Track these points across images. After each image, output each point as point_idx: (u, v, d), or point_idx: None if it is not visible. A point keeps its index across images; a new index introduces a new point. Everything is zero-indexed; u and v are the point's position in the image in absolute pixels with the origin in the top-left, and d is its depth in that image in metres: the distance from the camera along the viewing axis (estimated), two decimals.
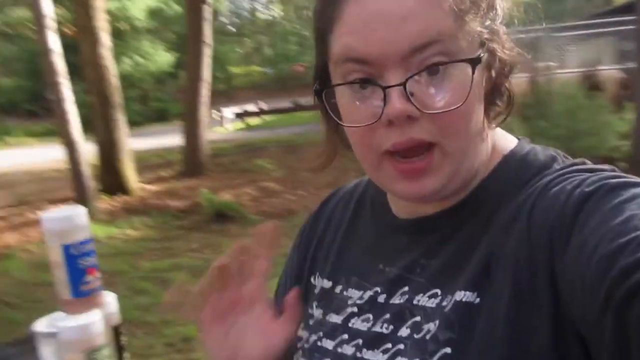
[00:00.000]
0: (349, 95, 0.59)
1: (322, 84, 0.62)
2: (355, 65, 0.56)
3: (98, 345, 0.89)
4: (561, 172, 0.58)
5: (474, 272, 0.57)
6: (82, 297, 0.91)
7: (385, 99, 0.55)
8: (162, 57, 22.93)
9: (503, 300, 0.53)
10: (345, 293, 0.69)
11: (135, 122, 23.62)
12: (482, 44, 0.58)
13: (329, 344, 0.66)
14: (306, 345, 0.69)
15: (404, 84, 0.54)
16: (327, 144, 0.69)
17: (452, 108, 0.55)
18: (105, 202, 7.78)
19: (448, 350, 0.55)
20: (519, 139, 0.68)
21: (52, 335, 0.93)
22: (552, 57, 8.78)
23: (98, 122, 8.29)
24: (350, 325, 0.65)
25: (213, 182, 8.61)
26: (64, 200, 8.04)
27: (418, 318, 0.59)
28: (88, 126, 8.35)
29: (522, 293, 0.52)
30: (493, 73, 0.61)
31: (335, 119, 0.61)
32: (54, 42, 7.16)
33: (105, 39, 8.24)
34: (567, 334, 0.49)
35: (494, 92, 0.63)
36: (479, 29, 0.57)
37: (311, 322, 0.71)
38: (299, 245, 0.83)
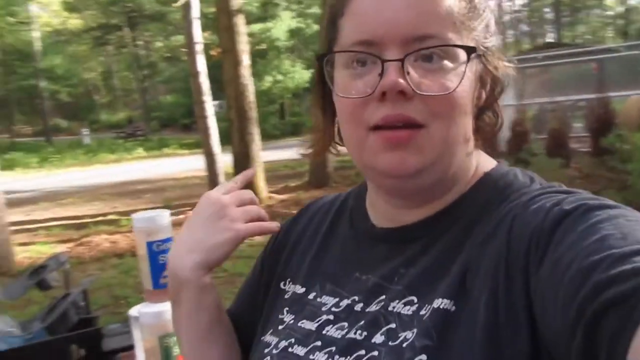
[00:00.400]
0: (347, 74, 0.62)
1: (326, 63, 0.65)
2: (360, 46, 0.60)
3: (171, 332, 1.00)
4: (540, 191, 0.59)
5: (452, 281, 0.58)
6: (161, 289, 1.03)
7: (382, 73, 0.57)
8: (301, 74, 24.05)
9: (480, 309, 0.54)
10: (319, 299, 0.69)
11: (273, 135, 25.23)
12: (477, 54, 0.61)
13: (300, 351, 0.65)
14: (275, 351, 0.67)
15: (402, 60, 0.57)
16: (321, 130, 0.71)
17: (444, 93, 0.57)
18: None
19: (424, 357, 0.54)
20: (499, 161, 0.70)
21: (137, 319, 1.07)
22: None
23: (235, 136, 9.00)
24: (324, 332, 0.65)
25: (338, 192, 8.79)
26: None
27: (393, 325, 0.59)
28: (227, 139, 9.12)
29: (498, 304, 0.53)
30: (484, 91, 0.64)
31: (331, 86, 0.64)
32: (201, 65, 8.00)
33: (246, 59, 8.95)
34: (541, 347, 0.50)
35: (484, 109, 0.65)
36: (475, 39, 0.61)
37: (281, 327, 0.70)
38: (269, 251, 0.83)
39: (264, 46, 19.50)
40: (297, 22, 24.49)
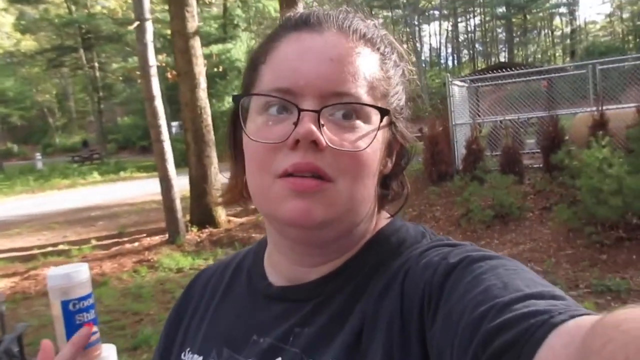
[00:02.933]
0: (261, 120, 0.61)
1: (242, 110, 0.65)
2: (279, 94, 0.59)
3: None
4: (430, 245, 0.63)
5: (347, 340, 0.58)
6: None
7: (297, 122, 0.57)
8: None
9: None
10: None
11: None
12: (389, 121, 0.63)
13: None
14: None
15: (318, 112, 0.58)
16: (233, 177, 0.71)
17: (354, 150, 0.58)
18: (194, 234, 8.23)
19: None
20: (392, 216, 0.71)
21: None
22: None
23: (192, 159, 8.87)
24: None
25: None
26: (158, 232, 8.64)
27: None
28: (186, 161, 8.96)
29: (394, 359, 0.54)
30: (390, 160, 0.67)
31: (244, 130, 0.62)
32: (156, 88, 7.86)
33: (203, 82, 8.87)
34: None
35: (390, 177, 0.68)
36: (388, 106, 0.63)
37: None
38: (171, 320, 0.81)
39: (222, 68, 19.48)
40: (256, 42, 24.61)
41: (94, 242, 8.52)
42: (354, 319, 0.59)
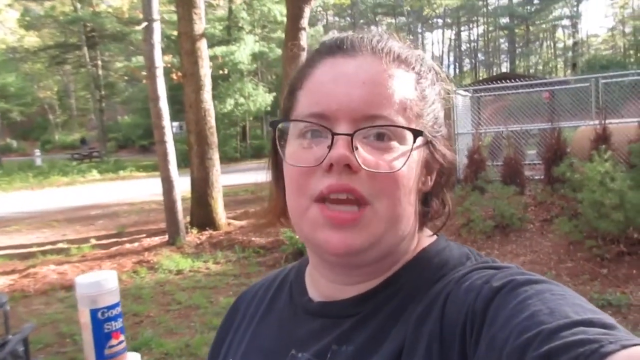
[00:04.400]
0: (298, 144, 0.63)
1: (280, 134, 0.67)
2: (314, 118, 0.61)
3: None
4: (472, 267, 0.62)
5: None
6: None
7: (331, 146, 0.59)
8: (263, 97, 24.15)
9: None
10: None
11: (233, 158, 25.07)
12: (425, 140, 0.64)
13: None
14: None
15: (351, 135, 0.59)
16: (273, 199, 0.72)
17: (389, 171, 0.59)
18: (194, 236, 8.23)
19: None
20: (437, 235, 0.71)
21: None
22: None
23: (194, 160, 8.86)
24: None
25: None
26: (158, 232, 8.63)
27: None
28: (186, 162, 8.95)
29: None
30: (430, 178, 0.67)
31: (282, 155, 0.64)
32: (161, 89, 7.87)
33: (208, 84, 8.87)
34: None
35: (431, 195, 0.68)
36: (423, 126, 0.64)
37: None
38: (215, 340, 0.84)
39: (226, 70, 19.46)
40: (260, 45, 24.63)
41: (93, 242, 8.50)
42: (392, 341, 0.59)
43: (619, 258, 5.39)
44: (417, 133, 0.61)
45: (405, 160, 0.60)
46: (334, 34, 0.68)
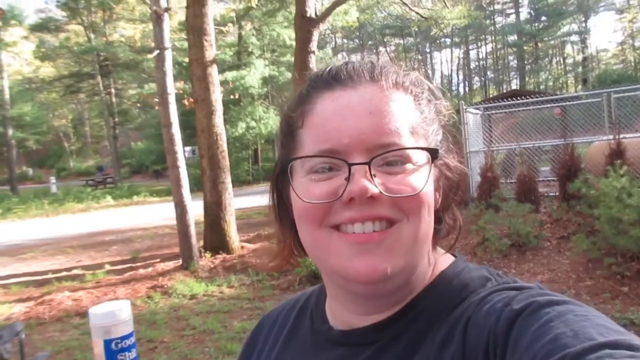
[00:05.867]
0: (309, 179, 0.61)
1: (284, 176, 0.65)
2: (325, 154, 0.60)
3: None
4: (492, 289, 0.60)
5: None
6: None
7: (349, 177, 0.58)
8: (274, 120, 24.36)
9: None
10: None
11: (245, 181, 25.20)
12: (434, 158, 0.63)
13: None
14: None
15: (369, 163, 0.58)
16: (281, 240, 0.71)
17: (413, 193, 0.59)
18: (207, 260, 8.22)
19: None
20: (455, 256, 0.70)
21: None
22: None
23: (207, 185, 8.90)
24: None
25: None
26: (171, 257, 8.64)
27: None
28: (199, 186, 9.00)
29: None
30: (439, 194, 0.66)
31: (295, 191, 0.62)
32: (173, 115, 7.97)
33: (219, 109, 8.97)
34: None
35: (443, 211, 0.67)
36: (431, 144, 0.64)
37: None
38: (242, 356, 0.84)
39: (237, 94, 19.72)
40: (270, 69, 24.95)
41: (107, 267, 8.53)
42: None
43: (638, 275, 5.26)
44: (432, 152, 0.61)
45: (425, 180, 0.60)
46: (325, 67, 0.67)
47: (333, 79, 0.63)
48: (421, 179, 0.60)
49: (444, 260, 0.69)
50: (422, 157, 0.61)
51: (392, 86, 0.63)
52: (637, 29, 40.29)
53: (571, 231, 6.70)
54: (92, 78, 32.58)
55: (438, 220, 0.67)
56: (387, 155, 0.59)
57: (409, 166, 0.60)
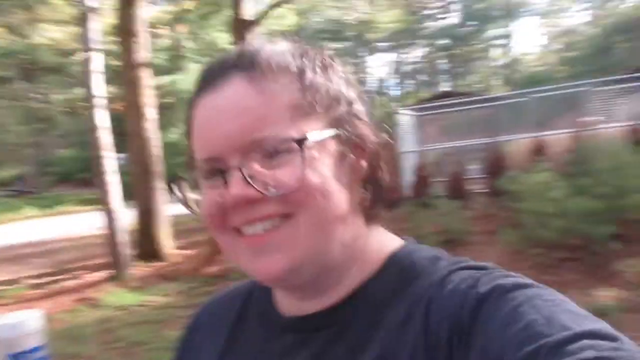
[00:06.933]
0: (205, 186, 0.61)
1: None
2: (206, 163, 0.59)
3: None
4: (450, 269, 0.58)
5: None
6: None
7: (227, 184, 0.56)
8: None
9: None
10: None
11: None
12: (330, 132, 0.59)
13: None
14: None
15: (239, 168, 0.55)
16: (210, 246, 0.69)
17: (295, 186, 0.55)
18: (139, 269, 7.90)
19: None
20: (404, 238, 0.68)
21: None
22: (597, 111, 8.63)
23: (138, 191, 8.58)
24: None
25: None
26: (101, 267, 8.23)
27: None
28: (130, 194, 8.65)
29: None
30: (361, 163, 0.61)
31: (196, 208, 0.62)
32: (101, 119, 7.65)
33: (150, 113, 8.69)
34: None
35: (369, 182, 0.62)
36: (323, 118, 0.58)
37: None
38: (179, 354, 0.79)
39: (170, 99, 19.23)
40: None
41: (30, 281, 7.99)
42: (372, 351, 0.56)
43: (562, 264, 5.57)
44: (299, 141, 0.55)
45: (303, 170, 0.55)
46: (203, 67, 0.65)
47: (204, 82, 0.61)
48: (306, 168, 0.55)
49: (392, 241, 0.67)
50: (311, 138, 0.56)
51: (264, 71, 0.57)
52: (558, 33, 43.09)
53: (498, 225, 7.00)
54: (12, 83, 30.64)
55: (367, 190, 0.62)
56: (256, 155, 0.56)
57: (289, 156, 0.55)
